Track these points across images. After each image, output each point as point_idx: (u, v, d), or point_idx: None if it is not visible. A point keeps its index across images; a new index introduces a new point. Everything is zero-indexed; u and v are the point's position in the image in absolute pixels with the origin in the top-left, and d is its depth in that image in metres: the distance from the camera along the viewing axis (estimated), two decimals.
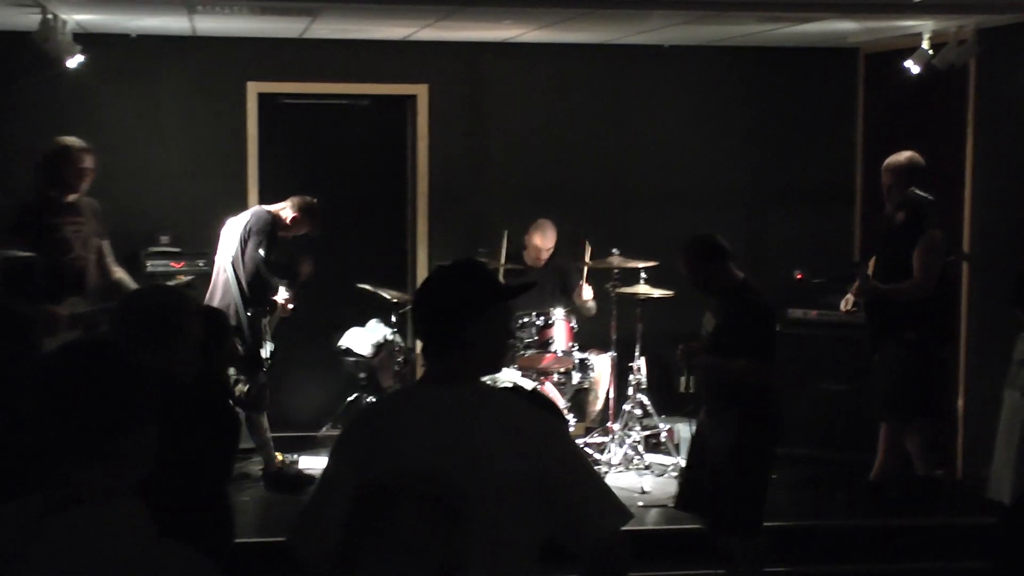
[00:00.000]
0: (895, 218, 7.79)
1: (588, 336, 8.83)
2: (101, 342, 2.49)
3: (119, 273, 7.59)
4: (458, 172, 9.75)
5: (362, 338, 9.09)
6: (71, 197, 7.26)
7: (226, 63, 9.43)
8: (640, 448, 8.47)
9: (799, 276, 9.34)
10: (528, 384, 7.98)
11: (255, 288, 7.91)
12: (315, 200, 8.24)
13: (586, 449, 8.51)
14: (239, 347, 7.17)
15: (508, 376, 8.02)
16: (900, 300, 7.60)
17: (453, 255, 8.41)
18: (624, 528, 3.30)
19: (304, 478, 8.06)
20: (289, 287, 8.25)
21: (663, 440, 8.73)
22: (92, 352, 2.41)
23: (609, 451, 8.46)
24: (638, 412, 8.54)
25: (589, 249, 8.90)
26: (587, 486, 3.24)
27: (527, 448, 3.16)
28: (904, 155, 7.80)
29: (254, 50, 9.43)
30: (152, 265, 8.84)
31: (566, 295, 8.96)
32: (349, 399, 9.21)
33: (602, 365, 8.71)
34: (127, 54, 9.18)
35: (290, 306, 8.26)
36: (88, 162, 7.25)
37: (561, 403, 8.12)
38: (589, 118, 9.84)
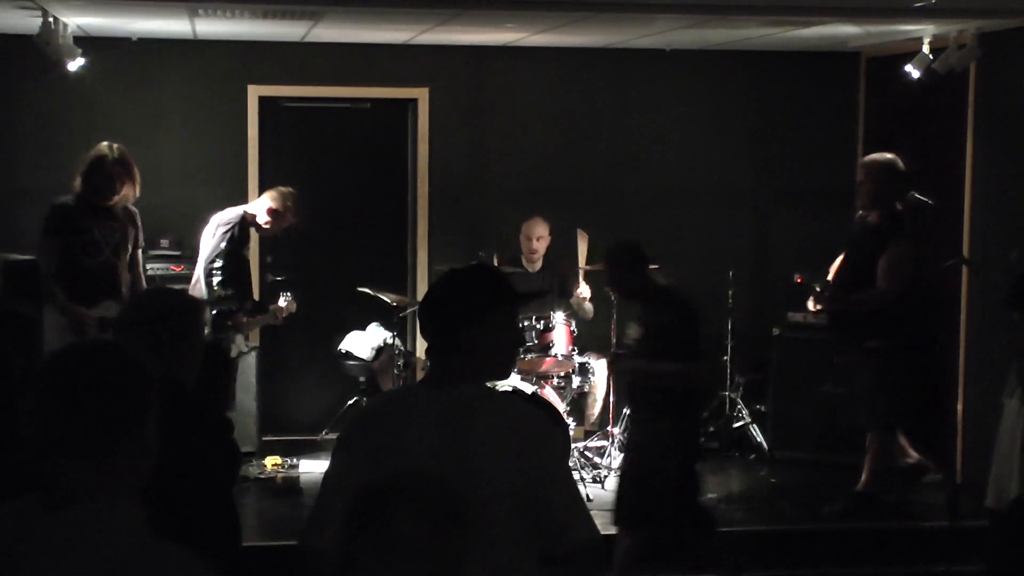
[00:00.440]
0: (867, 219, 7.73)
1: (588, 340, 8.83)
2: (103, 342, 2.50)
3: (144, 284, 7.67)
4: (459, 176, 9.75)
5: (362, 342, 9.10)
6: (106, 202, 7.24)
7: (227, 66, 9.43)
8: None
9: (799, 279, 9.32)
10: (528, 388, 7.97)
11: (224, 279, 7.83)
12: (291, 189, 8.19)
13: (586, 453, 8.51)
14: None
15: (508, 380, 8.01)
16: (861, 309, 7.52)
17: (453, 259, 8.47)
18: (609, 534, 3.31)
19: None
20: (253, 312, 8.21)
21: None
22: (93, 352, 2.42)
23: (608, 455, 8.46)
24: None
25: (586, 240, 8.89)
26: (566, 497, 3.23)
27: (519, 451, 3.16)
28: (885, 155, 7.73)
29: (255, 53, 9.44)
30: (152, 268, 8.85)
31: (566, 298, 8.96)
32: (349, 403, 9.22)
33: (602, 369, 8.70)
34: (128, 57, 9.19)
35: (284, 316, 8.23)
36: (119, 171, 7.22)
37: (561, 407, 8.11)
38: (590, 122, 9.84)
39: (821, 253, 9.76)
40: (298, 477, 8.37)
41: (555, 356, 8.40)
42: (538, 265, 9.07)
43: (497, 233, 9.16)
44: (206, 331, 7.74)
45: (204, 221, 8.42)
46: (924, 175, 8.85)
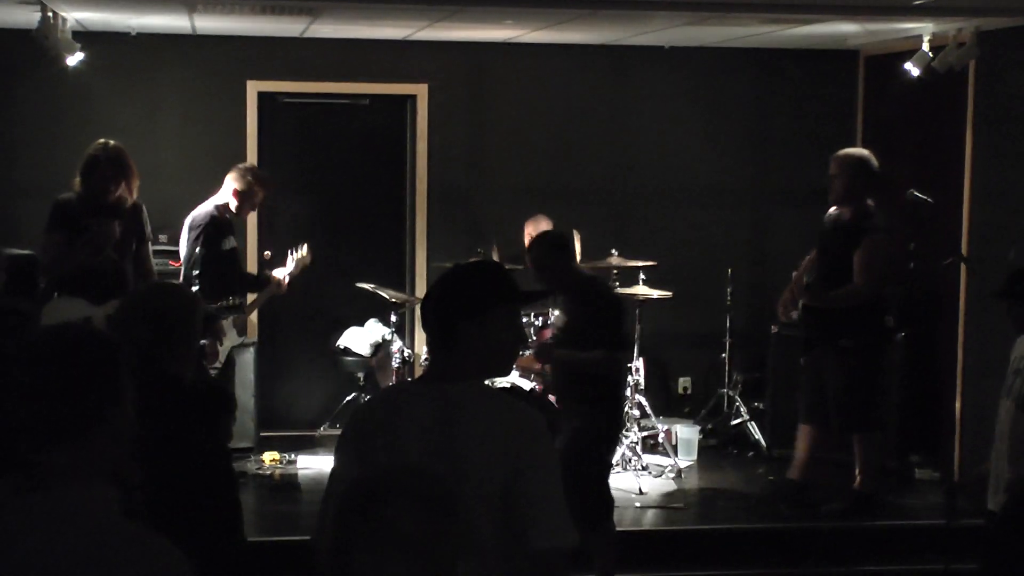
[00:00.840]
0: (839, 216, 7.69)
1: None
2: (75, 327, 2.50)
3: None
4: (458, 172, 9.75)
5: (361, 338, 9.10)
6: (103, 201, 7.17)
7: (226, 62, 9.43)
8: (638, 449, 8.47)
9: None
10: (526, 385, 7.97)
11: (203, 287, 7.75)
12: (251, 164, 8.12)
13: None
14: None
15: (506, 377, 8.01)
16: (839, 306, 7.48)
17: (452, 255, 8.46)
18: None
19: None
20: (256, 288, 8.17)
21: (660, 441, 8.74)
22: (64, 336, 2.43)
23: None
24: (636, 413, 8.53)
25: (579, 239, 8.89)
26: (548, 498, 3.18)
27: (505, 448, 3.15)
28: (857, 150, 7.73)
29: (254, 49, 9.43)
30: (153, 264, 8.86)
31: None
32: (347, 399, 9.22)
33: None
34: (127, 52, 9.18)
35: (286, 280, 8.17)
36: (114, 169, 7.15)
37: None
38: (589, 119, 9.84)
39: None
40: (296, 473, 8.37)
41: None
42: None
43: (495, 236, 9.16)
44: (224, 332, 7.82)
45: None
46: (923, 173, 8.88)
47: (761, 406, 9.32)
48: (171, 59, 9.36)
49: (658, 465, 8.60)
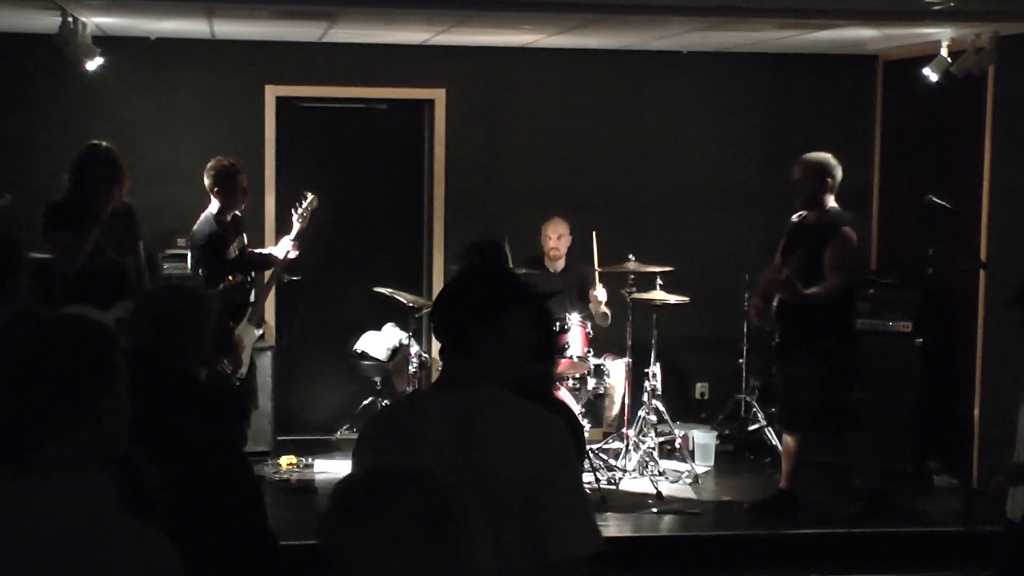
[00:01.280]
0: (804, 220, 7.69)
1: (603, 342, 8.83)
2: (67, 318, 2.52)
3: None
4: (475, 176, 9.76)
5: (378, 342, 9.11)
6: (102, 200, 7.07)
7: (244, 66, 9.46)
8: (655, 454, 8.46)
9: None
10: None
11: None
12: (216, 159, 7.96)
13: (601, 455, 8.51)
14: None
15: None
16: (813, 304, 7.45)
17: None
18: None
19: None
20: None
21: (678, 446, 8.73)
22: (55, 327, 2.44)
23: (624, 457, 8.45)
24: (653, 418, 8.52)
25: (596, 243, 8.89)
26: (569, 505, 3.15)
27: (525, 454, 3.11)
28: (819, 154, 7.72)
29: (272, 54, 9.45)
30: (168, 267, 8.89)
31: (583, 301, 8.96)
32: (364, 403, 9.23)
33: (617, 371, 8.70)
34: (146, 57, 9.21)
35: (292, 255, 8.11)
36: (106, 171, 7.09)
37: (576, 408, 8.11)
38: (606, 123, 9.83)
39: None
40: (313, 477, 8.38)
41: (570, 358, 8.39)
42: (560, 265, 9.07)
43: (506, 238, 9.16)
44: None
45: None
46: (942, 178, 8.86)
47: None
48: (190, 64, 9.38)
49: (675, 470, 8.59)
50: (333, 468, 8.44)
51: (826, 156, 7.71)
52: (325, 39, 9.16)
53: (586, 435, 8.00)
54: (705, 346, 9.50)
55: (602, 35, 8.88)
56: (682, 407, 9.63)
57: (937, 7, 7.21)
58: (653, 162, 9.86)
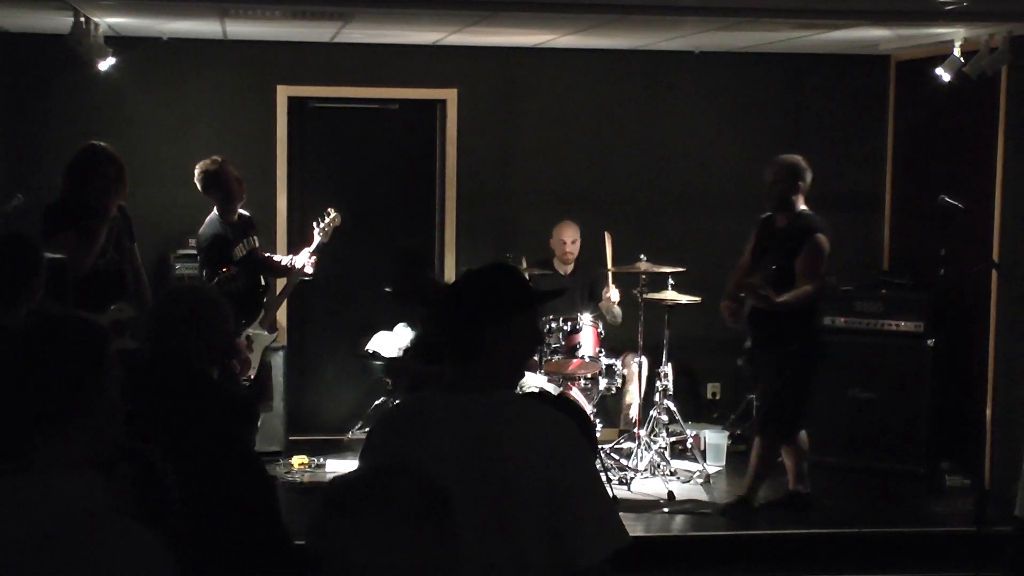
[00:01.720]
0: (774, 222, 7.66)
1: (615, 342, 8.83)
2: (60, 317, 2.53)
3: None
4: (487, 177, 9.76)
5: (389, 342, 9.10)
6: (106, 199, 6.98)
7: (256, 67, 9.47)
8: (666, 454, 8.46)
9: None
10: (554, 389, 7.97)
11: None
12: (203, 162, 7.93)
13: (612, 455, 8.50)
14: None
15: (534, 381, 8.01)
16: (788, 309, 7.42)
17: (481, 259, 8.46)
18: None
19: None
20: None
21: (689, 446, 8.72)
22: (47, 326, 2.45)
23: (636, 457, 8.45)
24: (665, 418, 8.52)
25: (610, 241, 8.89)
26: (593, 508, 3.15)
27: (547, 459, 3.09)
28: (791, 156, 7.68)
29: (284, 54, 9.47)
30: (181, 268, 8.91)
31: (594, 301, 8.95)
32: (376, 403, 9.23)
33: (629, 371, 8.70)
34: (158, 57, 9.23)
35: (308, 271, 8.11)
36: (112, 170, 7.00)
37: (588, 408, 8.11)
38: (618, 123, 9.83)
39: (849, 256, 9.76)
40: (324, 478, 8.38)
41: (582, 358, 8.39)
42: (571, 267, 9.08)
43: (522, 242, 9.16)
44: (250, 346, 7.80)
45: None
46: (954, 179, 8.84)
47: None
48: (202, 64, 9.40)
49: (687, 470, 8.58)
50: (344, 468, 8.44)
51: (798, 158, 7.68)
52: (337, 39, 9.17)
53: (598, 434, 8.02)
54: (717, 346, 9.48)
55: (614, 35, 8.88)
56: (694, 407, 9.63)
57: (950, 7, 7.19)
58: (665, 162, 9.85)
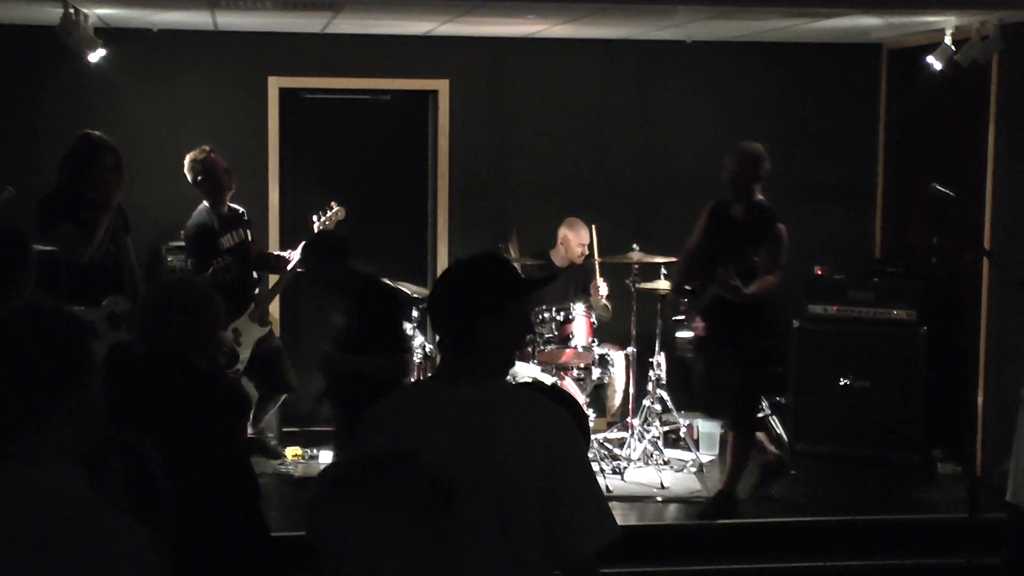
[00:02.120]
0: (731, 210, 7.56)
1: (608, 332, 8.83)
2: (38, 310, 2.52)
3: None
4: (479, 167, 9.75)
5: None
6: (106, 195, 6.96)
7: (248, 58, 9.45)
8: (659, 443, 8.47)
9: (819, 272, 9.33)
10: (548, 379, 7.98)
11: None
12: (191, 154, 7.96)
13: (605, 444, 8.51)
14: None
15: (528, 371, 8.02)
16: (752, 301, 7.34)
17: (474, 250, 8.46)
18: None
19: None
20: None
21: (682, 436, 8.73)
22: (25, 319, 2.45)
23: (628, 446, 8.46)
24: (657, 408, 8.53)
25: (595, 234, 8.88)
26: (585, 502, 3.16)
27: (544, 452, 3.10)
28: (754, 145, 7.58)
29: (275, 45, 9.45)
30: (173, 260, 8.90)
31: (586, 294, 8.96)
32: None
33: (622, 361, 8.71)
34: (149, 49, 9.21)
35: (289, 266, 7.97)
36: (111, 159, 7.00)
37: (580, 398, 8.12)
38: (611, 114, 9.83)
39: (842, 245, 9.78)
40: (318, 469, 8.37)
41: (575, 348, 8.40)
42: (581, 260, 9.06)
43: (515, 231, 9.14)
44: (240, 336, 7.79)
45: None
46: (946, 167, 8.85)
47: (783, 400, 9.30)
48: (193, 56, 9.38)
49: (680, 460, 8.60)
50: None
51: (759, 146, 7.58)
52: (328, 30, 9.15)
53: (591, 425, 8.03)
54: None
55: (606, 25, 8.87)
56: (686, 396, 9.62)
57: None
58: (657, 152, 9.85)
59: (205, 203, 7.91)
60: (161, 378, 3.73)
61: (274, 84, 9.47)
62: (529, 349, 8.35)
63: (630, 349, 8.64)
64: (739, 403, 7.55)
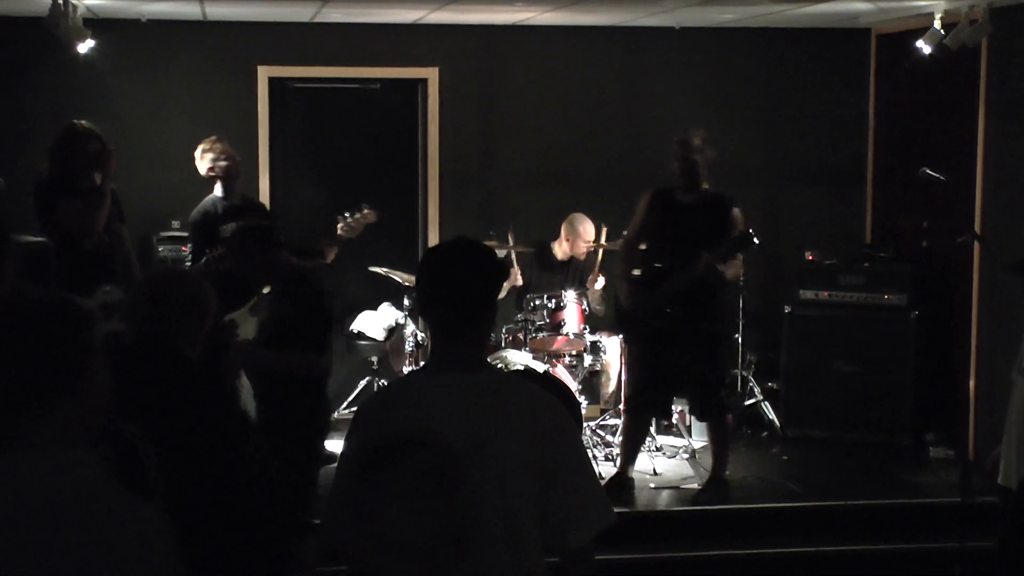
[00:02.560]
0: (678, 197, 7.50)
1: (600, 318, 8.83)
2: (44, 298, 2.53)
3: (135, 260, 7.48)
4: (469, 155, 9.75)
5: (374, 322, 9.11)
6: (95, 176, 6.93)
7: (236, 47, 9.44)
8: (652, 430, 8.47)
9: (810, 257, 9.34)
10: (540, 367, 7.97)
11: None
12: (203, 143, 7.93)
13: (598, 431, 8.52)
14: None
15: (520, 359, 8.02)
16: (724, 286, 7.36)
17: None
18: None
19: None
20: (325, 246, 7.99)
21: (675, 422, 8.73)
22: (32, 307, 2.46)
23: (621, 433, 8.46)
24: None
25: (604, 233, 8.88)
26: (581, 490, 3.16)
27: (540, 440, 3.10)
28: (698, 132, 7.57)
29: (264, 34, 9.43)
30: (164, 250, 8.88)
31: (583, 286, 8.95)
32: (362, 383, 9.23)
33: (614, 347, 8.71)
34: (137, 39, 9.19)
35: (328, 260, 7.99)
36: (95, 146, 6.96)
37: (573, 386, 8.12)
38: (600, 100, 9.82)
39: (832, 230, 9.79)
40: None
41: (567, 335, 8.39)
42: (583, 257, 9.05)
43: (512, 219, 9.12)
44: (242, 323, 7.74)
45: None
46: (936, 151, 8.85)
47: (775, 386, 9.32)
48: (182, 45, 9.36)
49: (672, 446, 8.62)
50: (331, 447, 8.42)
51: (700, 134, 7.54)
52: (317, 19, 9.14)
53: (583, 412, 8.04)
54: None
55: (594, 12, 8.86)
56: None
57: None
58: (647, 138, 9.83)
59: (216, 192, 7.87)
60: (151, 368, 3.72)
61: (263, 73, 9.46)
62: (521, 336, 8.36)
63: (622, 335, 8.64)
64: (705, 389, 7.54)
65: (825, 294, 9.09)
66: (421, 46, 9.59)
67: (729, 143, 9.86)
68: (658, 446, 8.43)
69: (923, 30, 8.40)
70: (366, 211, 7.87)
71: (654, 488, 7.80)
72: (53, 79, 9.05)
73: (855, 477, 8.18)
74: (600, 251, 8.89)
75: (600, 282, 8.86)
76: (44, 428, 2.38)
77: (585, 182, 9.65)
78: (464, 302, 3.15)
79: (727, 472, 7.75)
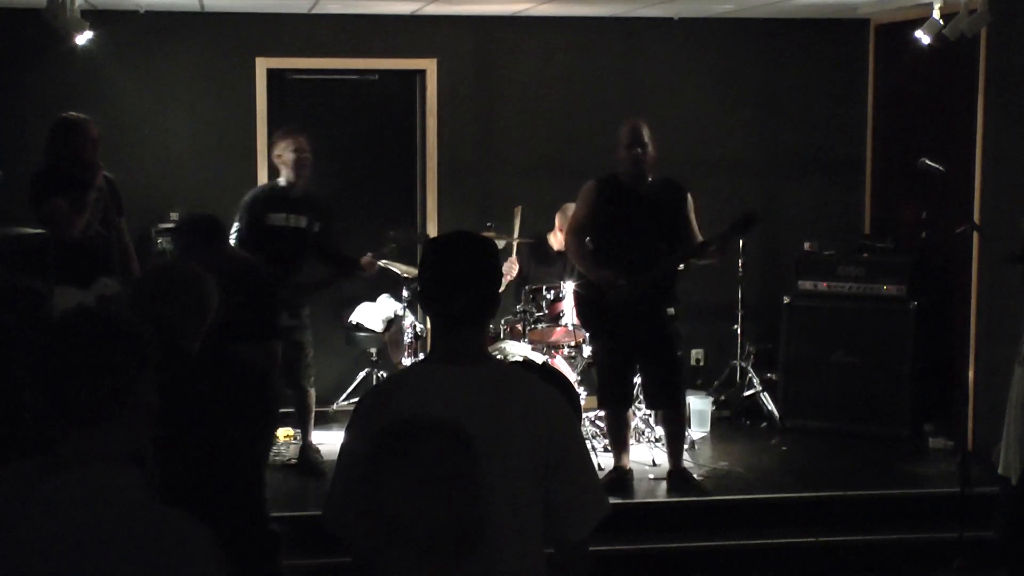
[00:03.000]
0: (630, 186, 7.46)
1: None
2: (100, 311, 2.52)
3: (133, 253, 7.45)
4: (467, 147, 9.74)
5: (373, 313, 9.11)
6: (88, 168, 6.94)
7: (235, 39, 9.42)
8: (651, 421, 8.47)
9: (809, 248, 9.34)
10: (539, 358, 7.97)
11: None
12: (280, 132, 8.04)
13: (597, 422, 8.52)
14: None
15: (518, 350, 8.02)
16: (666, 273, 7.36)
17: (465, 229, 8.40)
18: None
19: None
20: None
21: None
22: (89, 320, 2.44)
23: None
24: None
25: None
26: (581, 483, 3.17)
27: (544, 432, 3.10)
28: (638, 119, 7.56)
29: (262, 26, 9.42)
30: (162, 242, 8.87)
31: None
32: (361, 375, 9.23)
33: None
34: (136, 30, 9.17)
35: (369, 270, 8.10)
36: (90, 135, 7.00)
37: (572, 376, 8.12)
38: (599, 92, 9.81)
39: (831, 221, 9.79)
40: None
41: (565, 326, 8.39)
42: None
43: (516, 210, 9.11)
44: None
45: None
46: (935, 141, 8.85)
47: (774, 377, 9.33)
48: (180, 37, 9.35)
49: None
50: (330, 440, 8.44)
51: (640, 120, 7.54)
52: (315, 10, 9.13)
53: (582, 402, 8.04)
54: (700, 312, 9.49)
55: (593, 2, 8.86)
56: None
57: None
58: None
59: (281, 178, 7.92)
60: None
61: (261, 65, 9.44)
62: (520, 327, 8.36)
63: None
64: (677, 377, 7.53)
65: (824, 285, 9.09)
66: (419, 37, 9.58)
67: (727, 134, 9.88)
68: (657, 437, 8.43)
69: (922, 20, 8.38)
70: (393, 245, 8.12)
71: (653, 479, 7.80)
72: (52, 71, 9.04)
73: (854, 468, 8.18)
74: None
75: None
76: (98, 443, 2.37)
77: (583, 173, 9.58)
78: (466, 295, 3.14)
79: (683, 462, 7.72)
